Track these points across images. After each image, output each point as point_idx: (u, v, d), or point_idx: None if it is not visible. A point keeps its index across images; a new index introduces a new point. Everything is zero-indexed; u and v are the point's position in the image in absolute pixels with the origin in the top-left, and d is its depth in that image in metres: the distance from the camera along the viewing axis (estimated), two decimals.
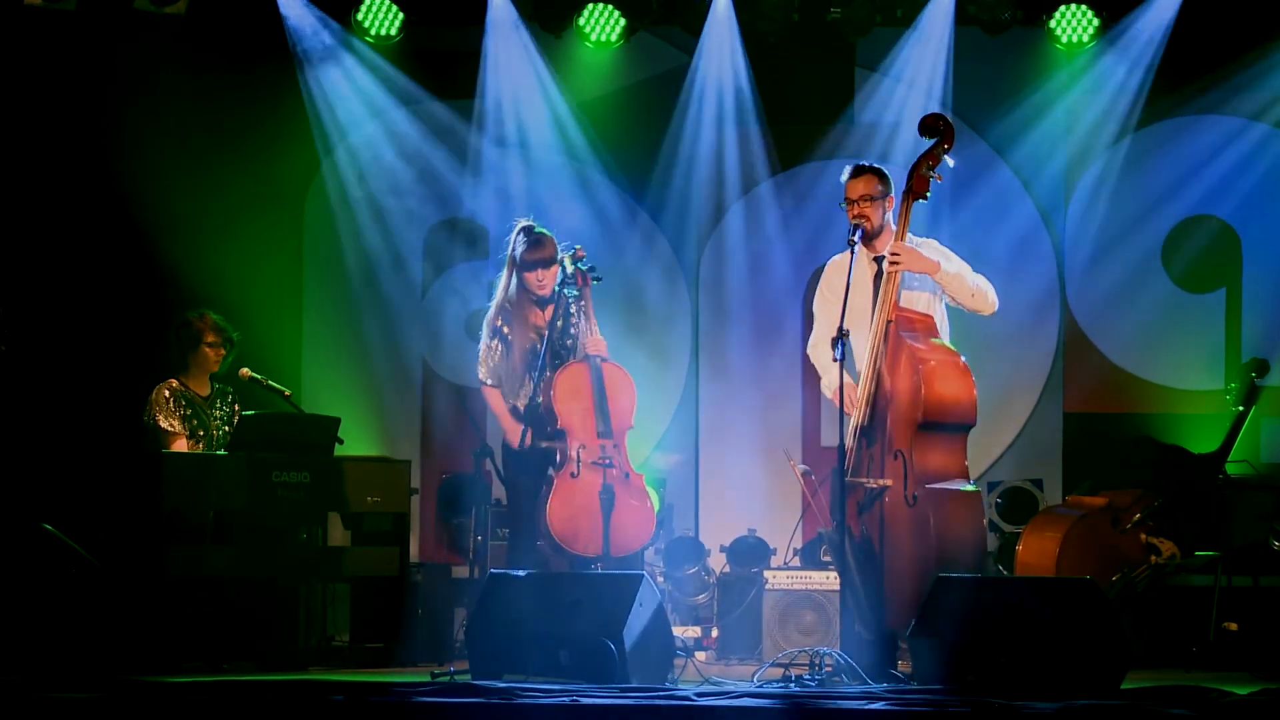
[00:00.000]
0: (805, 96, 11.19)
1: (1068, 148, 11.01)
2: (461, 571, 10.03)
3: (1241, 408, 9.40)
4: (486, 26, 11.06)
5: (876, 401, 7.66)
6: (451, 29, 11.27)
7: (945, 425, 7.58)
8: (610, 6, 10.88)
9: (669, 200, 11.25)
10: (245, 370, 9.33)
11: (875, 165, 8.01)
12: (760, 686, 7.08)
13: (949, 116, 7.88)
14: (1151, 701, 6.29)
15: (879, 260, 7.75)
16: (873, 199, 7.86)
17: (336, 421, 9.07)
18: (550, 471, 8.25)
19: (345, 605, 9.49)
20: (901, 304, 7.73)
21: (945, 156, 7.74)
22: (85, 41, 10.69)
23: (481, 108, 11.20)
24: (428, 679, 7.37)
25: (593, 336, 8.34)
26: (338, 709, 6.32)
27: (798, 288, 11.21)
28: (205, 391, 9.37)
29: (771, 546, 10.19)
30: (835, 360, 7.57)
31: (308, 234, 11.45)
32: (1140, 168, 10.96)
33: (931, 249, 7.88)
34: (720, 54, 11.06)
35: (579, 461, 8.19)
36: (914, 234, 7.93)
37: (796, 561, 9.95)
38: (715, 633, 9.88)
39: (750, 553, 10.19)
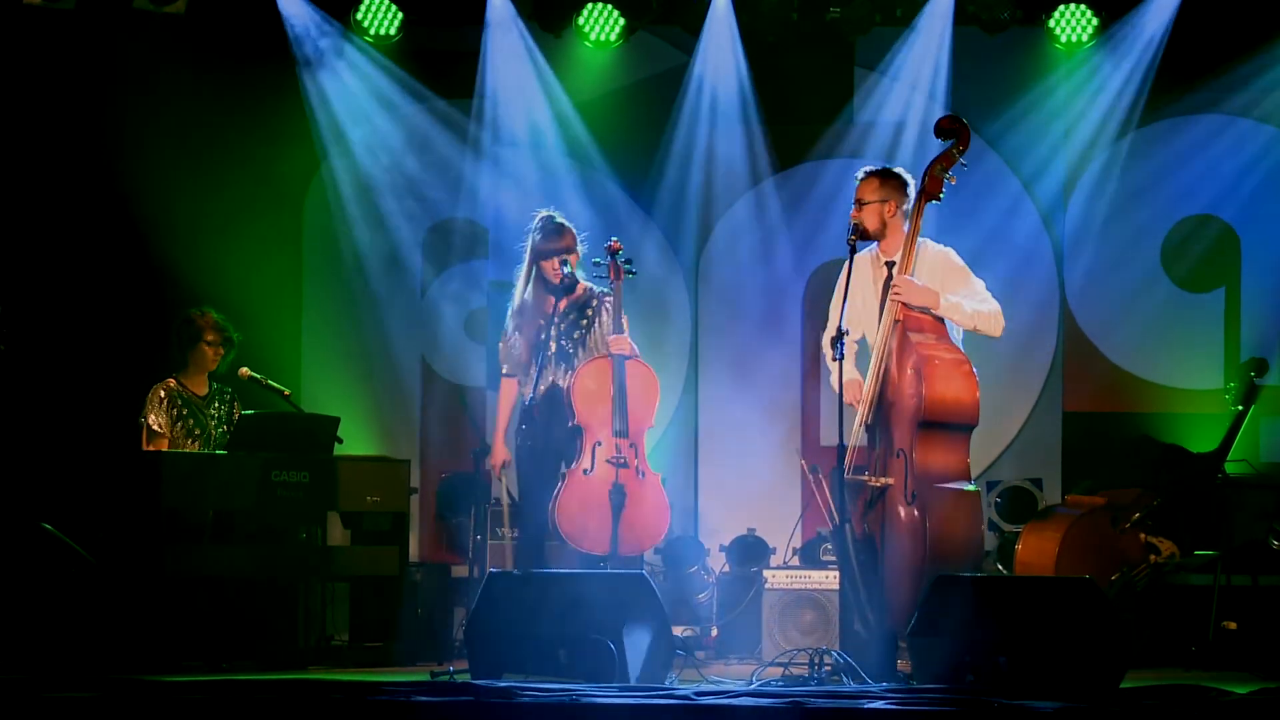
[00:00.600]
0: (804, 96, 11.19)
1: (1067, 147, 11.01)
2: (461, 571, 10.03)
3: (1241, 407, 9.40)
4: (486, 26, 11.06)
5: (882, 400, 7.67)
6: (451, 28, 11.26)
7: (946, 424, 7.59)
8: (609, 6, 10.89)
9: (668, 199, 11.25)
10: (245, 370, 9.33)
11: (883, 169, 7.99)
12: (760, 686, 7.08)
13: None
14: (1151, 701, 6.29)
15: (890, 264, 7.76)
16: (863, 204, 7.86)
17: (336, 421, 9.07)
18: (563, 468, 8.24)
19: (344, 604, 9.49)
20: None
21: (960, 158, 7.75)
22: (84, 41, 10.69)
23: (481, 107, 11.20)
24: (427, 678, 7.37)
25: (617, 335, 8.29)
26: (337, 708, 6.32)
27: (797, 287, 11.21)
28: (203, 391, 9.37)
29: (771, 546, 10.20)
30: (835, 360, 7.58)
31: (307, 233, 11.45)
32: (1139, 167, 10.96)
33: (946, 260, 7.88)
34: (719, 53, 11.06)
35: (593, 459, 8.18)
36: (931, 239, 7.94)
37: (796, 561, 9.95)
38: (714, 632, 9.88)
39: (750, 552, 10.20)
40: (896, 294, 7.67)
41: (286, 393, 9.31)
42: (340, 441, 9.08)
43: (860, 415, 7.73)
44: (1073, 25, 10.77)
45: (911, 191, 7.86)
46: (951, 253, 7.94)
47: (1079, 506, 9.34)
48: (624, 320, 8.39)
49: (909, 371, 7.59)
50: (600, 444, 8.20)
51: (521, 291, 8.46)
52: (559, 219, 8.44)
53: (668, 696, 6.43)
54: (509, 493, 9.15)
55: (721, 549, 10.37)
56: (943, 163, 7.75)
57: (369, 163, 11.29)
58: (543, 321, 8.31)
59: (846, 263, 7.84)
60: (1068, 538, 9.04)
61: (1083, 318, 11.07)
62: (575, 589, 7.32)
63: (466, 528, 9.89)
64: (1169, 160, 10.96)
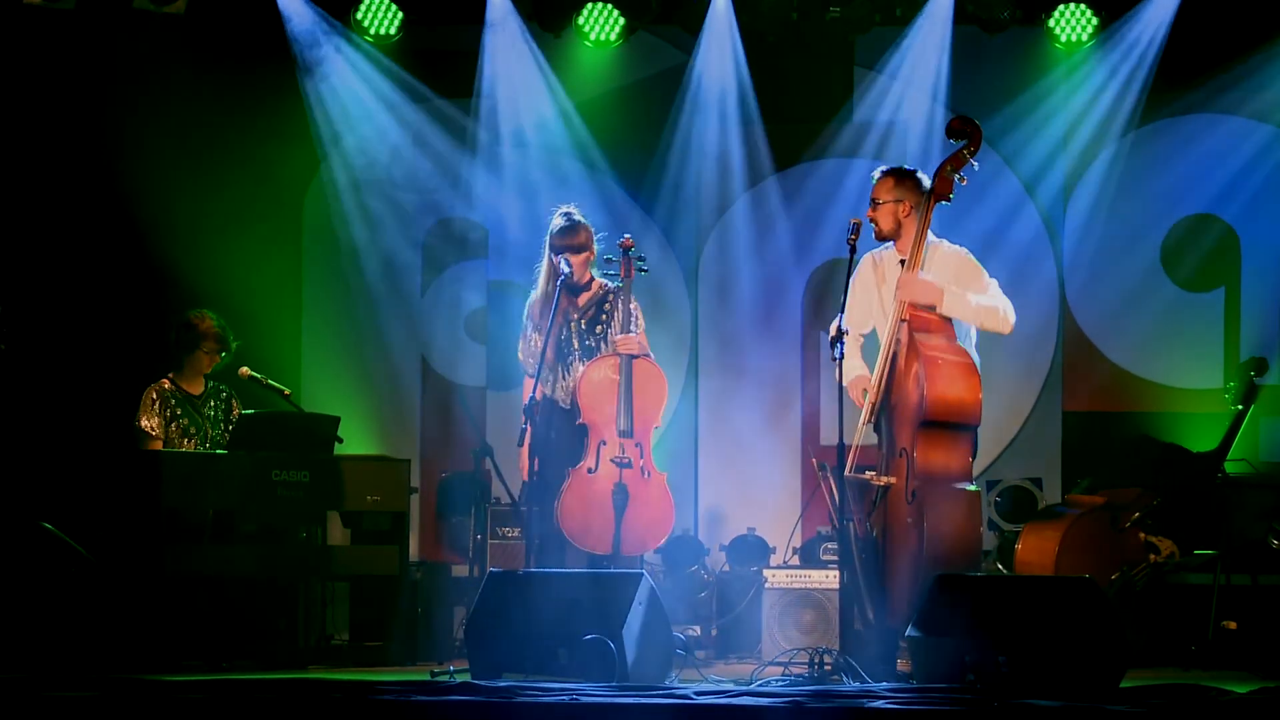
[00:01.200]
0: (804, 95, 11.20)
1: (1067, 147, 11.01)
2: (461, 570, 10.03)
3: (1240, 406, 9.40)
4: (485, 25, 11.07)
5: (887, 400, 7.68)
6: (450, 28, 11.27)
7: (947, 424, 7.59)
8: (609, 5, 10.89)
9: (668, 199, 11.26)
10: (244, 369, 9.34)
11: (898, 169, 7.98)
12: (759, 686, 7.08)
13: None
14: (1150, 700, 6.29)
15: (903, 263, 7.77)
16: (878, 204, 7.87)
17: (336, 420, 9.07)
18: (568, 468, 8.24)
19: (344, 604, 9.49)
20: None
21: (971, 159, 7.75)
22: (84, 40, 10.69)
23: (480, 107, 11.20)
24: (427, 678, 7.37)
25: (625, 334, 8.27)
26: (337, 708, 6.32)
27: (797, 285, 11.22)
28: (198, 390, 9.37)
29: (771, 545, 10.20)
30: (835, 360, 7.58)
31: (307, 233, 11.45)
32: (1139, 167, 10.96)
33: (959, 259, 7.89)
34: (719, 53, 11.07)
35: (598, 457, 8.17)
36: (945, 239, 7.94)
37: (796, 560, 9.95)
38: (714, 631, 9.88)
39: (750, 551, 10.20)
40: (901, 291, 7.68)
41: (286, 392, 9.32)
42: (340, 441, 9.08)
43: (865, 414, 7.73)
44: (1072, 25, 10.77)
45: (925, 191, 7.86)
46: (966, 252, 7.94)
47: (1079, 506, 9.34)
48: (639, 318, 8.38)
49: (913, 372, 7.59)
50: (605, 443, 8.19)
51: (542, 288, 8.44)
52: (574, 216, 8.41)
53: (668, 696, 6.43)
54: (510, 492, 9.15)
55: (721, 548, 10.37)
56: (953, 163, 7.75)
57: (369, 162, 11.29)
58: (562, 319, 8.29)
59: (848, 262, 7.83)
60: (1067, 537, 9.04)
61: (1083, 317, 11.07)
62: (575, 589, 7.33)
63: (466, 527, 9.90)
64: (1169, 160, 10.96)
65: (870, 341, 8.02)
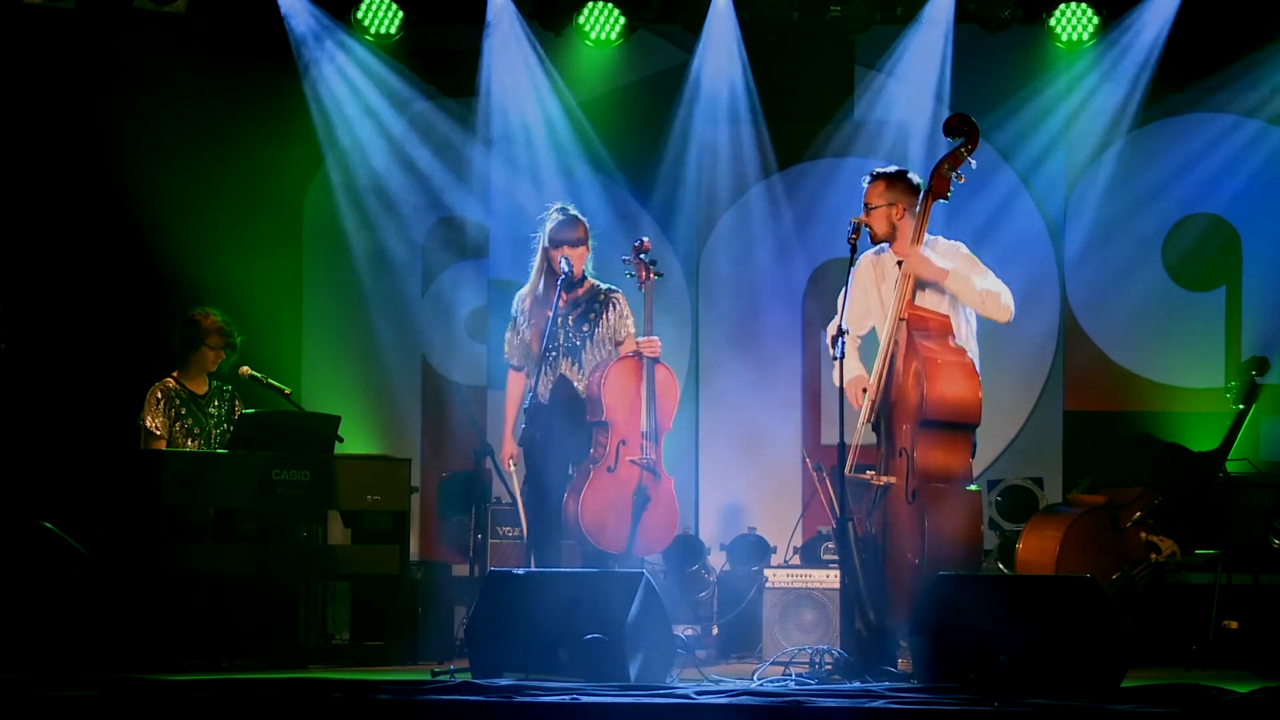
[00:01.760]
0: (805, 94, 11.19)
1: (1067, 145, 11.02)
2: (461, 570, 10.03)
3: (1241, 406, 9.40)
4: (486, 25, 11.07)
5: (886, 400, 7.67)
6: (451, 27, 11.27)
7: (947, 424, 7.58)
8: (610, 5, 10.89)
9: (668, 198, 11.25)
10: (245, 368, 9.33)
11: (888, 172, 7.94)
12: (760, 685, 7.08)
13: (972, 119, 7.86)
14: (1151, 700, 6.29)
15: (900, 263, 7.76)
16: (871, 208, 7.85)
17: (336, 420, 9.07)
18: (571, 468, 8.23)
19: (345, 603, 9.50)
20: (921, 301, 7.73)
21: (969, 158, 7.74)
22: (85, 40, 10.69)
23: (481, 106, 11.20)
24: (428, 677, 7.37)
25: (650, 336, 8.26)
26: (337, 707, 6.32)
27: (798, 285, 11.22)
28: (202, 389, 9.37)
29: (771, 545, 10.19)
30: (835, 359, 7.57)
31: (308, 232, 11.45)
32: (1140, 166, 10.96)
33: (956, 252, 7.87)
34: (720, 52, 11.06)
35: (617, 457, 8.17)
36: (940, 236, 7.93)
37: (797, 560, 9.95)
38: (715, 631, 9.88)
39: (750, 551, 10.20)
40: (909, 268, 7.65)
41: (287, 391, 9.32)
42: (341, 440, 9.08)
43: (864, 414, 7.73)
44: (1073, 24, 10.77)
45: (920, 191, 7.84)
46: (961, 245, 7.93)
47: (1080, 505, 9.34)
48: (629, 318, 8.38)
49: (912, 371, 7.59)
50: (625, 443, 8.18)
51: (533, 283, 8.43)
52: (571, 211, 8.40)
53: (668, 696, 6.42)
54: (510, 490, 9.15)
55: (722, 548, 10.37)
56: (951, 162, 7.74)
57: (370, 161, 11.29)
58: (550, 314, 8.28)
59: (849, 261, 7.82)
60: (1068, 536, 9.04)
61: (1084, 316, 11.07)
62: (576, 588, 7.32)
63: (467, 526, 9.89)
64: (1170, 159, 10.95)
65: (868, 342, 8.00)
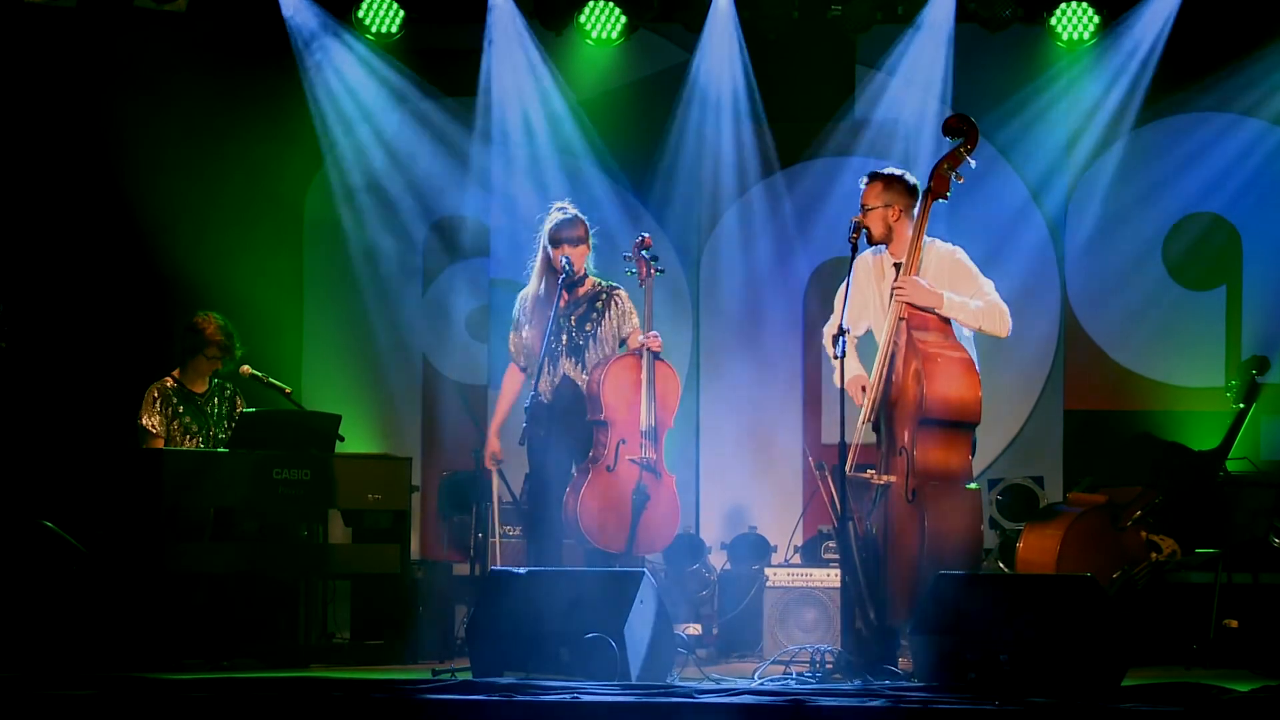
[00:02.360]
0: (806, 93, 11.19)
1: (1069, 144, 11.01)
2: (462, 569, 10.03)
3: (1242, 405, 9.40)
4: (487, 24, 11.07)
5: (886, 398, 7.67)
6: (452, 26, 11.27)
7: (947, 423, 7.58)
8: (611, 4, 10.89)
9: (669, 197, 11.25)
10: (246, 367, 9.33)
11: (885, 174, 7.91)
12: (761, 684, 7.08)
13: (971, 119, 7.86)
14: (1152, 699, 6.29)
15: (898, 265, 7.75)
16: (867, 210, 7.84)
17: (337, 419, 9.07)
18: (572, 467, 8.23)
19: (346, 602, 9.50)
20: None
21: (968, 158, 7.73)
22: (86, 39, 10.69)
23: (482, 105, 11.20)
24: (429, 676, 7.37)
25: (654, 332, 8.26)
26: (338, 707, 6.32)
27: (799, 284, 11.22)
28: (201, 388, 9.38)
29: (772, 544, 10.19)
30: (836, 358, 7.57)
31: (308, 231, 11.45)
32: (1140, 165, 10.96)
33: (953, 258, 7.87)
34: (721, 51, 11.06)
35: (617, 455, 8.17)
36: (937, 239, 7.93)
37: (797, 559, 9.95)
38: (716, 630, 9.88)
39: (751, 550, 10.20)
40: (901, 294, 7.66)
41: (288, 390, 9.32)
42: (341, 439, 9.08)
43: (864, 413, 7.72)
44: (1074, 23, 10.77)
45: (917, 193, 7.83)
46: (959, 252, 7.90)
47: (1080, 504, 9.34)
48: (632, 315, 8.39)
49: (912, 370, 7.58)
50: (624, 441, 8.17)
51: (534, 283, 8.43)
52: (571, 209, 8.41)
53: (669, 695, 6.42)
54: (510, 490, 9.15)
55: (723, 547, 10.37)
56: (950, 161, 7.73)
57: (370, 160, 11.29)
58: (552, 313, 8.28)
59: (849, 261, 7.82)
60: (1069, 536, 9.04)
61: (1084, 315, 11.07)
62: (576, 587, 7.32)
63: (468, 526, 9.89)
64: (1170, 158, 10.96)
65: (867, 341, 7.99)
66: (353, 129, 11.26)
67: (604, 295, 8.41)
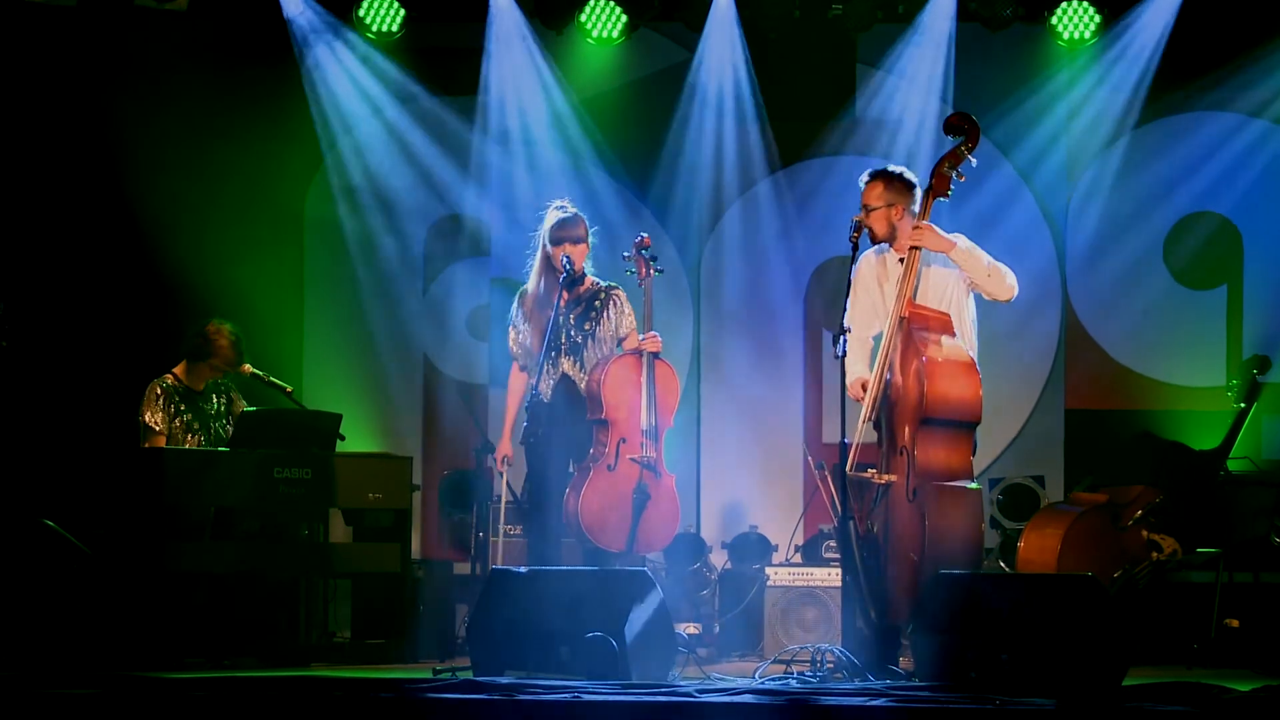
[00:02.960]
0: (807, 93, 11.19)
1: (1069, 144, 11.02)
2: (463, 568, 10.03)
3: (1243, 404, 9.40)
4: (488, 23, 11.07)
5: (887, 397, 7.66)
6: (453, 25, 11.26)
7: (947, 422, 7.58)
8: (612, 3, 10.89)
9: (670, 196, 11.26)
10: (247, 366, 9.34)
11: (885, 172, 7.89)
12: (762, 683, 7.08)
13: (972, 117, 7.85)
14: (1153, 698, 6.29)
15: (903, 261, 7.75)
16: (870, 210, 7.82)
17: (338, 418, 9.07)
18: (571, 466, 8.23)
19: (347, 601, 9.50)
20: (922, 299, 7.72)
21: (969, 156, 7.72)
22: (86, 38, 10.69)
23: (483, 104, 11.20)
24: (429, 675, 7.37)
25: (652, 333, 8.27)
26: (339, 706, 6.32)
27: (799, 283, 11.22)
28: (200, 385, 9.38)
29: (773, 543, 10.19)
30: (837, 357, 7.56)
31: (309, 230, 11.45)
32: (1141, 164, 10.97)
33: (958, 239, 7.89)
34: (721, 50, 11.07)
35: (617, 455, 8.17)
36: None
37: (798, 558, 9.95)
38: (716, 629, 9.88)
39: (751, 549, 10.20)
40: (918, 239, 7.64)
41: (288, 389, 9.32)
42: (342, 438, 9.08)
43: (865, 411, 7.72)
44: (1075, 22, 10.77)
45: (918, 192, 7.82)
46: (961, 236, 7.94)
47: (1081, 504, 9.34)
48: (630, 315, 8.39)
49: (912, 369, 7.58)
50: (625, 440, 8.17)
51: (533, 282, 8.43)
52: (570, 208, 8.41)
53: (670, 694, 6.42)
54: (510, 489, 9.15)
55: (723, 546, 10.37)
56: (951, 160, 7.73)
57: (371, 159, 11.29)
58: (551, 312, 8.28)
59: (850, 260, 7.81)
60: (1070, 535, 9.03)
61: (1085, 314, 11.08)
62: (577, 586, 7.32)
63: (469, 525, 9.90)
64: (1171, 157, 10.96)
65: (875, 344, 8.00)
66: (353, 128, 11.26)
67: (603, 294, 8.41)
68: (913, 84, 11.00)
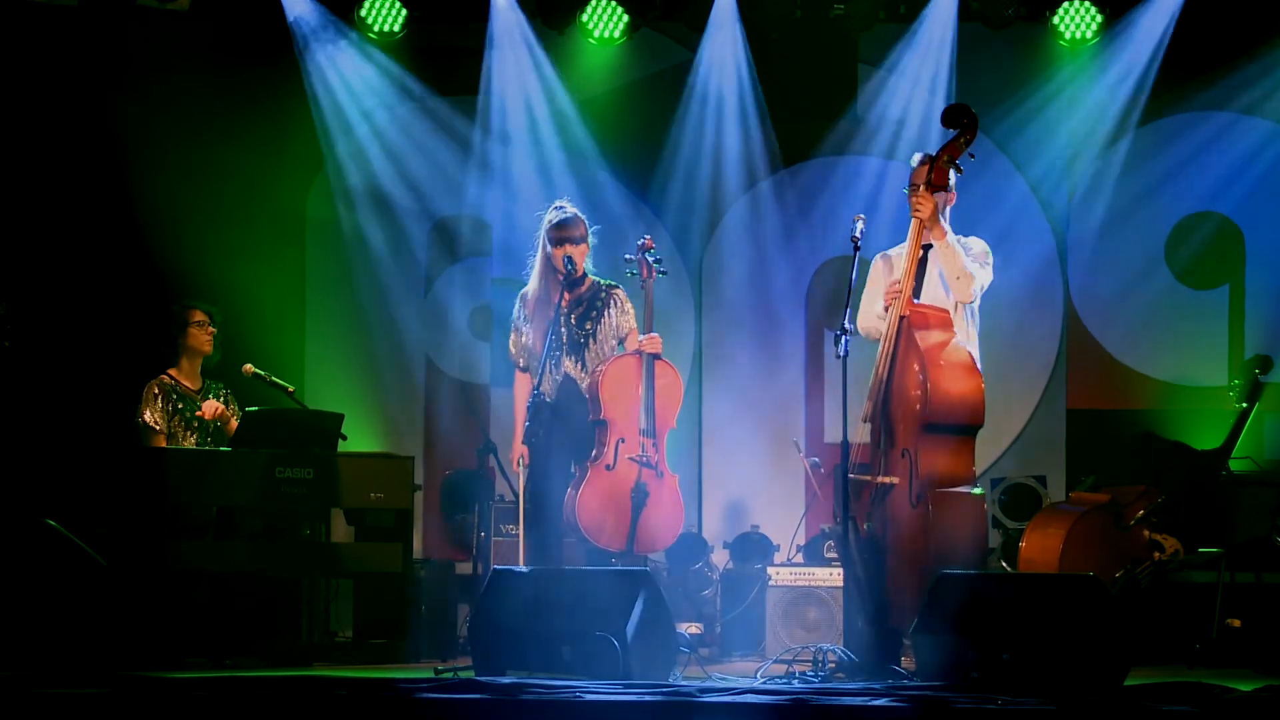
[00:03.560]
0: (808, 92, 11.19)
1: (1071, 144, 11.01)
2: (465, 568, 10.03)
3: (1245, 404, 9.40)
4: (489, 23, 11.07)
5: (887, 397, 7.65)
6: (454, 25, 11.26)
7: (951, 426, 7.57)
8: (613, 3, 10.89)
9: (672, 196, 11.25)
10: (248, 366, 9.34)
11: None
12: (763, 683, 7.08)
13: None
14: (1154, 698, 6.29)
15: (926, 248, 7.74)
16: (918, 188, 7.83)
17: (340, 418, 9.08)
18: (573, 466, 8.23)
19: (348, 601, 9.50)
20: (925, 298, 7.73)
21: (967, 149, 7.72)
22: (88, 38, 10.69)
23: (484, 104, 11.20)
24: (431, 675, 7.37)
25: (651, 334, 8.27)
26: (341, 705, 6.32)
27: (801, 283, 11.21)
28: (196, 385, 9.39)
29: (775, 543, 10.19)
30: (838, 357, 7.56)
31: (311, 230, 11.45)
32: (1143, 164, 10.96)
33: (973, 243, 7.91)
34: (723, 50, 11.07)
35: (616, 454, 8.17)
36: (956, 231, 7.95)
37: (800, 558, 9.95)
38: (718, 629, 9.88)
39: (753, 549, 10.19)
40: (917, 209, 7.65)
41: (290, 389, 9.32)
42: (344, 438, 9.08)
43: (865, 412, 7.71)
44: (1076, 22, 10.77)
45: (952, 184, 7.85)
46: (979, 240, 7.97)
47: (1083, 504, 9.33)
48: (631, 315, 8.39)
49: (914, 370, 7.57)
50: (624, 440, 8.17)
51: (535, 282, 8.43)
52: (570, 209, 8.41)
53: (671, 693, 6.42)
54: (513, 489, 9.15)
55: (725, 546, 10.37)
56: (949, 153, 7.73)
57: (373, 159, 11.29)
58: (552, 313, 8.28)
59: (852, 259, 7.81)
60: (1071, 535, 9.03)
61: (1086, 314, 11.07)
62: (579, 586, 7.32)
63: (471, 524, 9.90)
64: (1173, 157, 10.96)
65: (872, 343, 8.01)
66: (355, 128, 11.26)
67: (603, 294, 8.42)
68: (914, 84, 10.99)
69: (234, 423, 9.29)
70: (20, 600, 8.31)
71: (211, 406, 9.26)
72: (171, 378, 9.35)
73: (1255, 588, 9.31)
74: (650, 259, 8.27)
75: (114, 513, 8.71)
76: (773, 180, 11.27)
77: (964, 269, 7.79)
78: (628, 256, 8.35)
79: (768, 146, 11.21)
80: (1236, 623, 9.11)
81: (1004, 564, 9.77)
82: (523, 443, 8.28)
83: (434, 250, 11.40)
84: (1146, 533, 9.12)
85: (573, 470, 8.24)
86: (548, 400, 8.25)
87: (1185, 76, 10.82)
